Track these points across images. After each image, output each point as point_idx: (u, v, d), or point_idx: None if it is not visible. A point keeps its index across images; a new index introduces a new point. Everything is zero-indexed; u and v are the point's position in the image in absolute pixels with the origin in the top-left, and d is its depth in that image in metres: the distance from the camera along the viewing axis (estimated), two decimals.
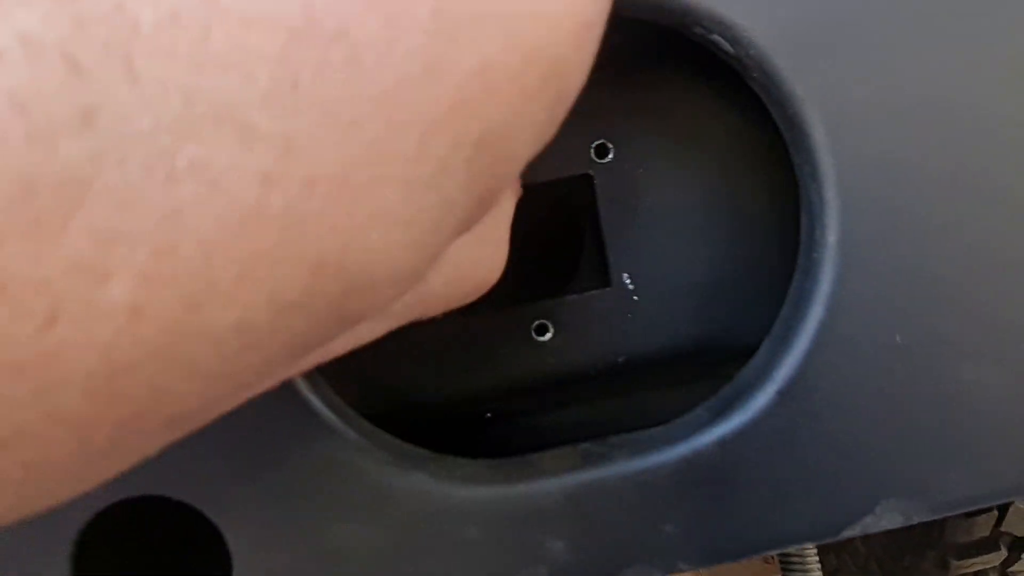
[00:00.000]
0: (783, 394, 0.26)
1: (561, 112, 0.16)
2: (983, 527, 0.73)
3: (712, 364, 0.34)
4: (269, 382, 0.15)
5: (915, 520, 0.26)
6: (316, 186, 0.11)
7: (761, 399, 0.26)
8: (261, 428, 0.24)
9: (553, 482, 0.26)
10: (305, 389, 0.25)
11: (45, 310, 0.10)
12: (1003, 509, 0.70)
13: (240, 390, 0.13)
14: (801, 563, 0.44)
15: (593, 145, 0.32)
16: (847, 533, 0.26)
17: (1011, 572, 0.77)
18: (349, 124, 0.12)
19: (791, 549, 0.37)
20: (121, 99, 0.10)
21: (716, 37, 0.25)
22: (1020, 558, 0.75)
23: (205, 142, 0.10)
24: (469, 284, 0.20)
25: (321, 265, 0.12)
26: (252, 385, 0.14)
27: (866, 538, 0.85)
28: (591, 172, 0.32)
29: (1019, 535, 0.73)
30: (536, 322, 0.33)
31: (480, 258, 0.20)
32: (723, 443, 0.26)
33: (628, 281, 0.32)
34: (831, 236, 0.25)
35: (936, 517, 0.26)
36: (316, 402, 0.25)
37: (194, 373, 0.12)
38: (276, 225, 0.11)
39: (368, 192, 0.12)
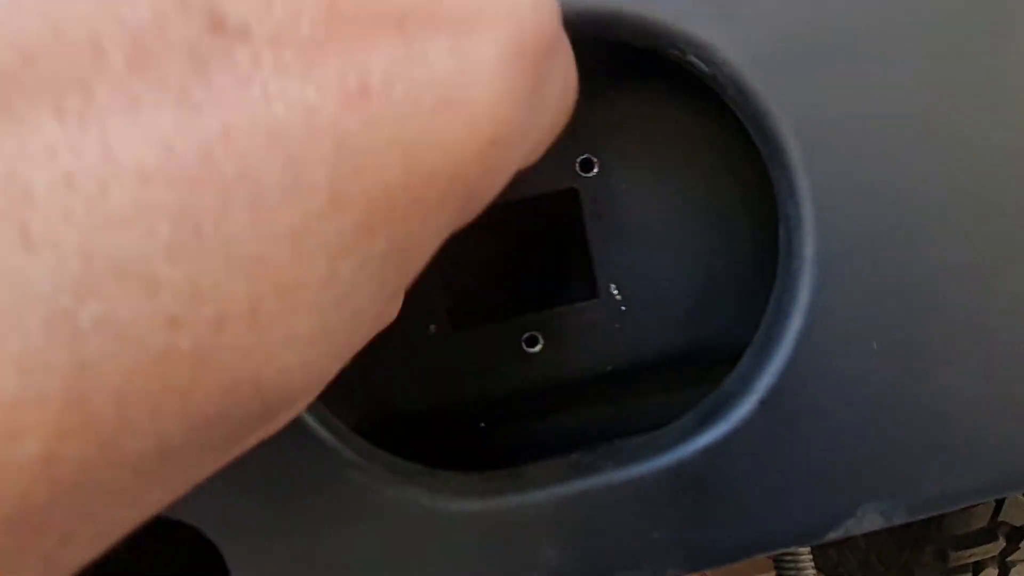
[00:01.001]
0: (765, 403, 0.27)
1: (470, 213, 0.16)
2: (981, 518, 0.73)
3: (699, 371, 0.34)
4: (209, 470, 0.16)
5: (895, 522, 0.27)
6: (225, 323, 0.12)
7: (744, 408, 0.27)
8: (257, 447, 0.25)
9: (543, 493, 0.27)
10: None
11: None
12: (1000, 500, 0.71)
13: (172, 491, 0.14)
14: (794, 561, 0.44)
15: (578, 160, 0.33)
16: (831, 536, 0.27)
17: (1010, 562, 0.77)
18: (255, 262, 0.12)
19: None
20: (17, 266, 0.10)
21: (692, 58, 0.26)
22: (1018, 547, 0.75)
23: (108, 298, 0.11)
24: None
25: (235, 389, 0.12)
26: (186, 482, 0.14)
27: (866, 534, 0.85)
28: (577, 186, 0.33)
29: (1017, 525, 0.74)
30: (526, 334, 0.33)
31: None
32: (708, 451, 0.27)
33: (615, 292, 0.33)
34: (808, 249, 0.26)
35: (915, 518, 0.27)
36: (311, 420, 0.26)
37: (114, 495, 0.12)
38: (186, 363, 0.12)
39: (279, 321, 0.12)
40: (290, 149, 0.12)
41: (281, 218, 0.12)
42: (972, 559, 0.76)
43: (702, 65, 0.26)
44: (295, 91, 0.12)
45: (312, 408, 0.26)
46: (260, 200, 0.12)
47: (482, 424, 0.34)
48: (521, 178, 0.32)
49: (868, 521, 0.27)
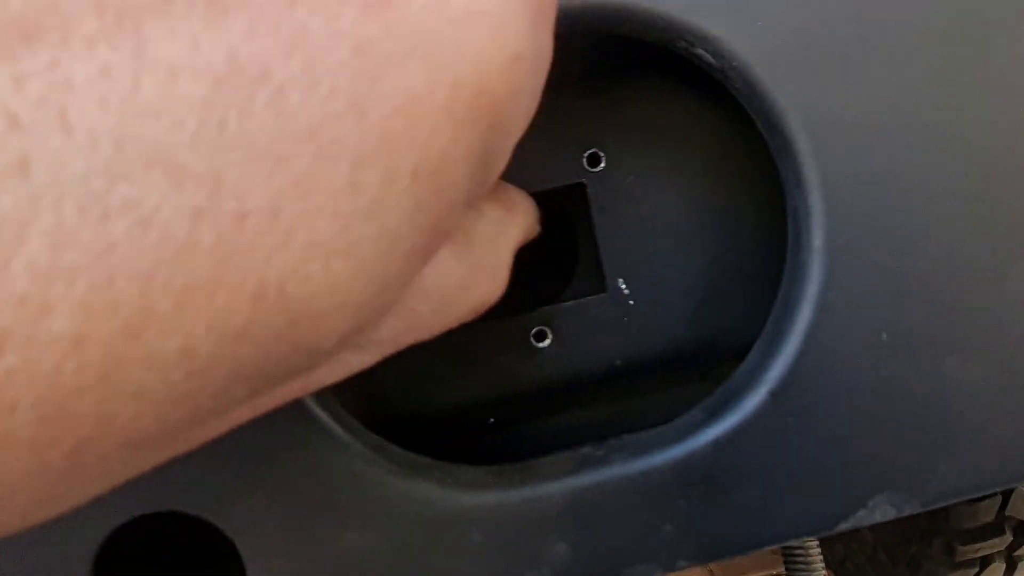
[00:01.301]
0: (775, 394, 0.27)
1: (502, 141, 0.16)
2: (987, 512, 0.73)
3: (707, 366, 0.34)
4: (239, 413, 0.15)
5: (906, 512, 0.27)
6: (247, 220, 0.12)
7: (754, 400, 0.27)
8: (270, 443, 0.25)
9: (554, 486, 0.27)
10: (312, 403, 0.26)
11: None
12: (1007, 494, 0.70)
13: (201, 418, 0.14)
14: (804, 553, 0.44)
15: (585, 154, 0.33)
16: (841, 527, 0.27)
17: (1017, 556, 0.77)
18: (277, 160, 0.12)
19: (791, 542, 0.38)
20: (55, 148, 0.11)
21: (699, 51, 0.26)
22: None
23: (136, 183, 0.11)
24: (462, 309, 0.20)
25: (260, 295, 0.13)
26: (214, 413, 0.14)
27: (873, 527, 0.85)
28: (584, 181, 0.33)
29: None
30: (535, 329, 0.33)
31: (473, 284, 0.20)
32: (718, 443, 0.27)
33: (623, 287, 0.33)
34: (816, 240, 0.26)
35: (926, 509, 0.27)
36: (323, 415, 0.26)
37: (141, 398, 0.12)
38: (209, 258, 0.12)
39: (301, 224, 0.13)
40: (310, 52, 0.12)
41: (300, 119, 0.12)
42: (979, 553, 0.76)
43: (709, 58, 0.26)
44: None
45: (323, 403, 0.26)
46: (280, 100, 0.12)
47: (491, 420, 0.35)
48: (528, 172, 0.32)
49: (880, 512, 0.27)
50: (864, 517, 0.27)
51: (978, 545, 0.75)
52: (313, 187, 0.13)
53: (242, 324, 0.13)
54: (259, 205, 0.12)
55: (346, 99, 0.13)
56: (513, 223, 0.22)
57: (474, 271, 0.20)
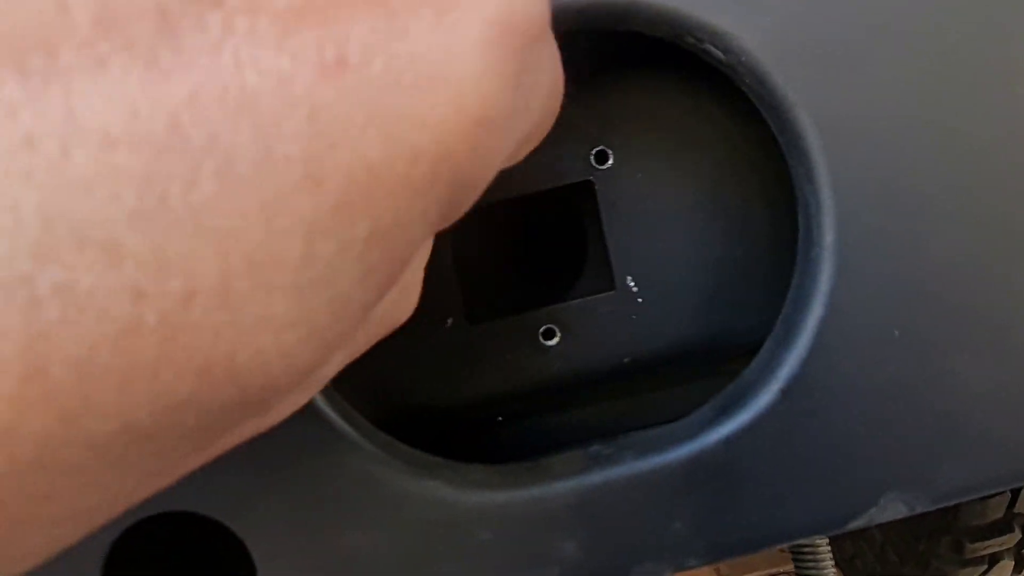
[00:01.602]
0: (786, 392, 0.26)
1: (463, 196, 0.15)
2: (996, 509, 0.73)
3: (716, 363, 0.34)
4: (193, 460, 0.15)
5: (918, 510, 0.27)
6: (195, 298, 0.11)
7: (765, 397, 0.27)
8: (281, 443, 0.25)
9: (563, 484, 0.27)
10: (322, 404, 0.26)
11: None
12: (1016, 491, 0.70)
13: (149, 479, 0.14)
14: (813, 551, 0.44)
15: (593, 152, 0.33)
16: (853, 525, 0.27)
17: None
18: (226, 235, 0.11)
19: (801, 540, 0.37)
20: None
21: (708, 46, 0.26)
22: None
23: (68, 265, 0.10)
24: (386, 327, 0.20)
25: (207, 371, 0.12)
26: (166, 471, 0.14)
27: (881, 525, 0.85)
28: (592, 178, 0.33)
29: None
30: (543, 327, 0.33)
31: (396, 303, 0.19)
32: (728, 441, 0.27)
33: (632, 284, 0.33)
34: (828, 236, 0.26)
35: (938, 506, 0.27)
36: (333, 415, 0.26)
37: (79, 475, 0.12)
38: (153, 339, 0.11)
39: (253, 299, 0.12)
40: (261, 119, 0.11)
41: (253, 191, 0.12)
42: (988, 551, 0.76)
43: (719, 53, 0.26)
44: (268, 60, 0.12)
45: (333, 403, 0.26)
46: (230, 171, 0.11)
47: (499, 418, 0.34)
48: (535, 170, 0.32)
49: (891, 510, 0.27)
50: (875, 515, 0.27)
51: (987, 543, 0.75)
52: (265, 261, 0.12)
53: (186, 397, 0.12)
54: (207, 283, 0.11)
55: (300, 168, 0.12)
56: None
57: (404, 293, 0.19)
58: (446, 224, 0.16)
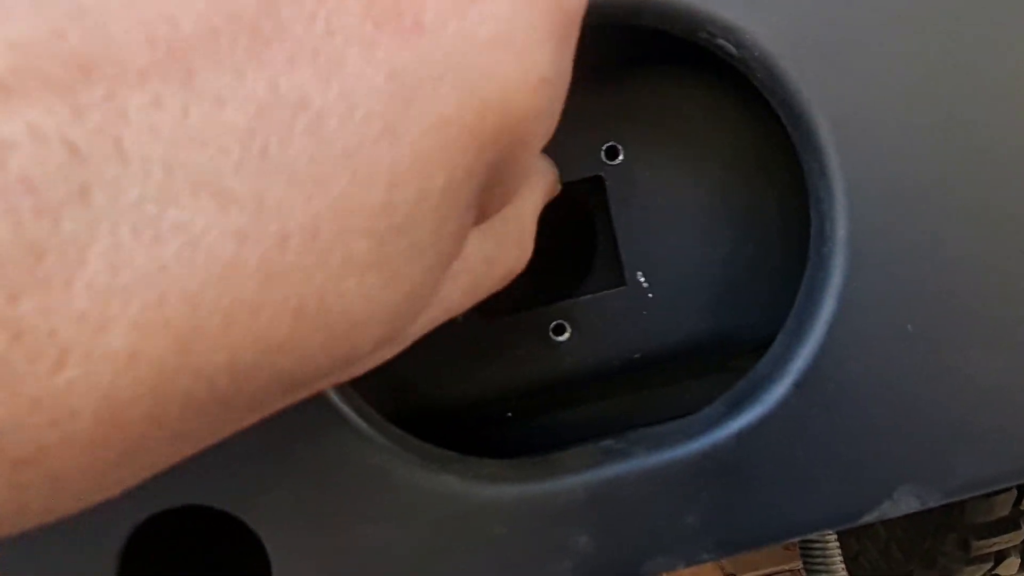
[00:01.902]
0: (799, 386, 0.26)
1: (523, 154, 0.17)
2: (1003, 507, 0.73)
3: (726, 359, 0.34)
4: (272, 407, 0.16)
5: (931, 504, 0.27)
6: (289, 240, 0.13)
7: (777, 391, 0.27)
8: (296, 438, 0.25)
9: (576, 479, 0.27)
10: (335, 398, 0.26)
11: (55, 355, 0.11)
12: (1022, 488, 0.70)
13: (237, 417, 0.15)
14: (822, 549, 0.44)
15: (603, 147, 0.33)
16: (866, 519, 0.27)
17: None
18: (316, 183, 0.13)
19: (811, 536, 0.38)
20: (112, 175, 0.11)
21: (721, 41, 0.26)
22: None
23: (185, 207, 0.12)
24: (491, 282, 0.21)
25: (301, 311, 0.13)
26: (252, 411, 0.15)
27: (887, 522, 0.85)
28: (602, 174, 0.33)
29: None
30: (553, 323, 0.33)
31: (499, 258, 0.21)
32: (741, 435, 0.27)
33: (642, 280, 0.33)
34: (840, 230, 0.26)
35: (951, 500, 0.27)
36: (347, 410, 0.26)
37: (188, 403, 0.13)
38: (254, 277, 0.13)
39: (339, 243, 0.13)
40: (346, 79, 0.13)
41: (338, 143, 0.13)
42: (994, 548, 0.76)
43: (731, 48, 0.26)
44: (354, 26, 0.13)
45: (347, 398, 0.26)
46: (319, 126, 0.13)
47: (509, 414, 0.34)
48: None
49: (904, 504, 0.27)
50: (888, 509, 0.27)
51: (993, 540, 0.75)
52: (350, 207, 0.13)
53: (284, 339, 0.13)
54: (300, 226, 0.13)
55: (381, 123, 0.13)
56: (533, 188, 0.23)
57: (500, 245, 0.21)
58: (509, 186, 0.18)
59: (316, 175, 0.13)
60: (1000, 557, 0.77)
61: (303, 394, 0.17)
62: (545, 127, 0.17)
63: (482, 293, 0.21)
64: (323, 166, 0.13)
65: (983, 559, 0.77)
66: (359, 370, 0.18)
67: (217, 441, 0.15)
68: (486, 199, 0.17)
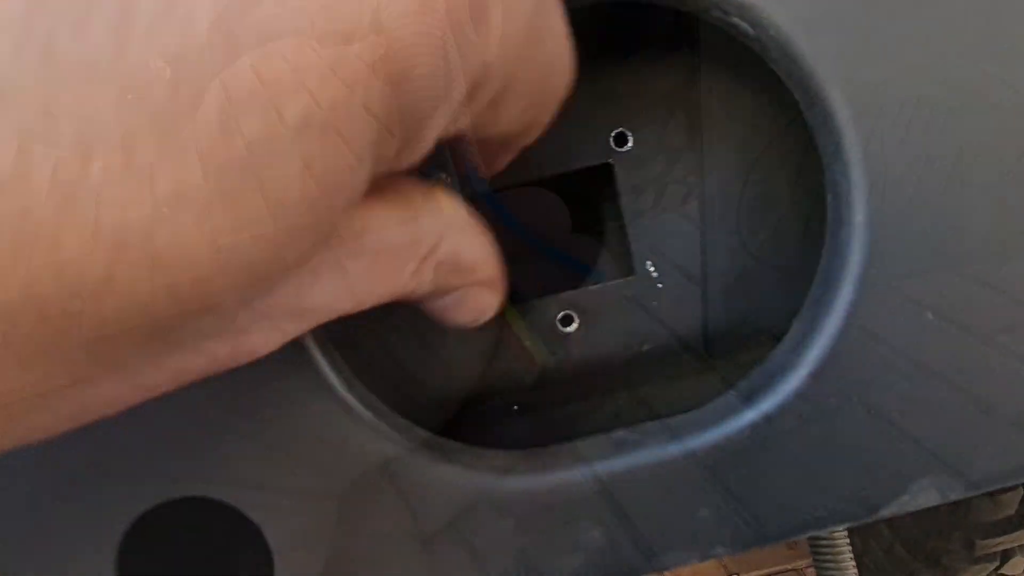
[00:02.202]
0: (815, 376, 0.26)
1: (414, 104, 0.14)
2: (1008, 506, 0.73)
3: (736, 349, 0.34)
4: (155, 375, 0.14)
5: (951, 498, 0.26)
6: (92, 156, 0.11)
7: (793, 381, 0.26)
8: (298, 429, 0.25)
9: (587, 470, 0.26)
10: (341, 388, 0.25)
11: None
12: None
13: (87, 368, 0.13)
14: (831, 547, 0.44)
15: (612, 134, 0.32)
16: (883, 513, 0.26)
17: None
18: (124, 88, 0.11)
19: (821, 533, 0.37)
20: None
21: (735, 19, 0.25)
22: None
23: None
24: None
25: (121, 248, 0.12)
26: (101, 364, 0.13)
27: (891, 522, 0.84)
28: (611, 161, 0.32)
29: None
30: (561, 313, 0.33)
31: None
32: (755, 427, 0.26)
33: (652, 269, 0.32)
34: (858, 215, 0.25)
35: (972, 494, 0.26)
36: (352, 400, 0.25)
37: None
38: (50, 199, 0.11)
39: (163, 169, 0.11)
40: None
41: (152, 43, 0.11)
42: (999, 547, 0.75)
43: (746, 27, 0.25)
44: None
45: (352, 388, 0.25)
46: (125, 20, 0.11)
47: (515, 406, 0.34)
48: (554, 153, 0.32)
49: (923, 497, 0.26)
50: (907, 502, 0.26)
51: (998, 539, 0.75)
52: (172, 125, 0.11)
53: (101, 276, 0.11)
54: (106, 140, 0.11)
55: (206, 24, 0.11)
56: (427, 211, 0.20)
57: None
58: (409, 150, 0.15)
59: (125, 77, 0.11)
60: (1005, 556, 0.77)
61: (186, 361, 0.14)
62: (439, 76, 0.14)
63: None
64: (134, 68, 0.11)
65: (988, 558, 0.77)
66: (262, 344, 0.16)
67: (92, 416, 0.13)
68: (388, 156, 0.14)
